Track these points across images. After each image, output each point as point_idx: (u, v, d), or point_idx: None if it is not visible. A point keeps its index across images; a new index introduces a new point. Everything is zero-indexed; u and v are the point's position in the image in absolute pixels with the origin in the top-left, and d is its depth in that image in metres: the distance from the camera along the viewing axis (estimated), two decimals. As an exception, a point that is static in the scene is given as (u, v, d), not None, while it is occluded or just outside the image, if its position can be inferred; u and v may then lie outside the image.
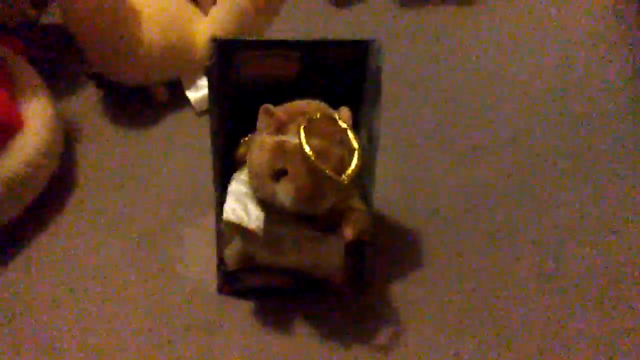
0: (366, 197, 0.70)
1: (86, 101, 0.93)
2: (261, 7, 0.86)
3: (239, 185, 0.68)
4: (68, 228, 0.80)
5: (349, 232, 0.65)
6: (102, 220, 0.81)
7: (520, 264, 0.78)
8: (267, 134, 0.64)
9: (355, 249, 0.73)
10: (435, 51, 1.01)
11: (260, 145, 0.64)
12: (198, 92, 0.92)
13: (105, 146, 0.89)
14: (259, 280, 0.74)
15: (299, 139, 0.61)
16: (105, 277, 0.75)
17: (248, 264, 0.72)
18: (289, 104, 0.65)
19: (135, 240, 0.79)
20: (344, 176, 0.61)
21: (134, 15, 0.86)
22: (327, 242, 0.69)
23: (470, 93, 0.96)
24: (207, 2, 0.95)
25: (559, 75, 0.99)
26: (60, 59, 0.96)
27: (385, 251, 0.79)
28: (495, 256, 0.79)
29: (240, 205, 0.66)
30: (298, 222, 0.67)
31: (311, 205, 0.63)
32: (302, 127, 0.61)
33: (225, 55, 0.67)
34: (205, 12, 0.93)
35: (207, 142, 0.78)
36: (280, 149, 0.63)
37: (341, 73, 0.69)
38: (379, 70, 0.65)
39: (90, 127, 0.90)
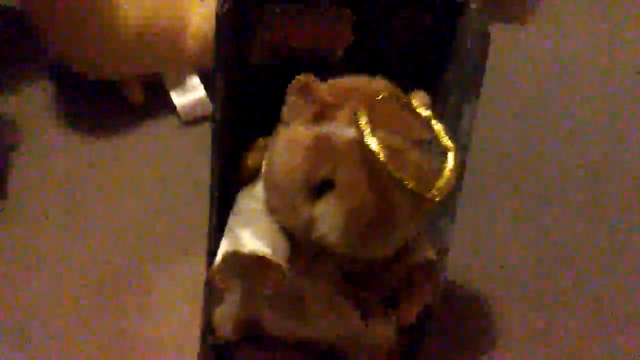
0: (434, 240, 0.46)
1: (33, 99, 0.70)
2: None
3: (251, 203, 0.44)
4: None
5: (408, 314, 0.44)
6: (38, 260, 0.58)
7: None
8: (302, 123, 0.41)
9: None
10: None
11: (290, 141, 0.41)
12: (185, 95, 0.70)
13: (53, 159, 0.66)
14: (263, 357, 0.50)
15: (358, 129, 0.37)
16: (39, 345, 0.53)
17: (250, 334, 0.48)
18: (336, 80, 0.42)
19: (85, 290, 0.56)
20: (434, 191, 0.37)
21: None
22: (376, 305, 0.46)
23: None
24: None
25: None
26: (5, 46, 0.74)
27: (447, 326, 0.55)
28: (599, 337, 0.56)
29: (255, 230, 0.42)
30: (334, 272, 0.44)
31: (372, 242, 0.39)
32: (361, 110, 0.38)
33: (243, 11, 0.44)
34: (202, -5, 0.72)
35: (191, 160, 0.65)
36: (324, 147, 0.39)
37: (413, 48, 0.46)
38: (484, 39, 0.42)
39: (35, 131, 0.68)
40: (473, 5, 0.43)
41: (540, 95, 0.75)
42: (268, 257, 0.40)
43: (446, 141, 0.39)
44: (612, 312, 0.58)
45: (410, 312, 0.43)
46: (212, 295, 0.48)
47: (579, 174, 0.68)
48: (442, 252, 0.46)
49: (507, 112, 0.73)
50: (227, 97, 0.45)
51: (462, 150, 0.43)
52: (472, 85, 0.43)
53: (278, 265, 0.41)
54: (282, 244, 0.42)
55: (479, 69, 0.42)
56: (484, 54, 0.42)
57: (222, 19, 0.42)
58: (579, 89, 0.75)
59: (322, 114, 0.40)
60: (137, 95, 0.70)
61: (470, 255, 0.60)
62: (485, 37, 0.42)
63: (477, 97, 0.43)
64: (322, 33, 0.45)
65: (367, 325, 0.46)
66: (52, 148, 0.66)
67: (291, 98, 0.41)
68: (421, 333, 0.51)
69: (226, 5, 0.42)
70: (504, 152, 0.69)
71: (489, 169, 0.67)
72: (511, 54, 0.77)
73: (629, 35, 0.81)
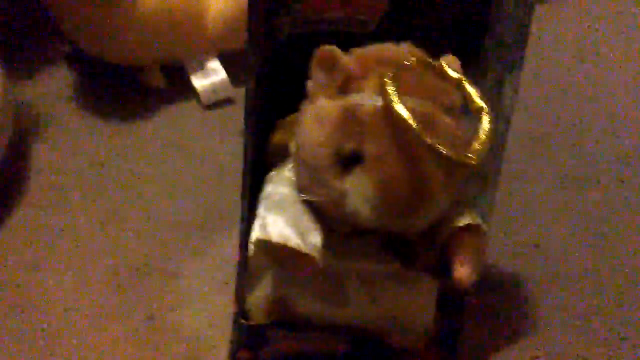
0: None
1: (54, 85, 0.69)
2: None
3: (279, 187, 0.43)
4: (9, 253, 0.56)
5: (465, 273, 0.40)
6: (63, 248, 0.57)
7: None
8: (328, 96, 0.39)
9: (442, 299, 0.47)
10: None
11: (316, 116, 0.39)
12: (206, 78, 0.69)
13: (75, 145, 0.65)
14: (297, 342, 0.48)
15: (385, 97, 0.36)
16: (65, 334, 0.51)
17: (283, 317, 0.47)
18: (360, 49, 0.41)
19: (112, 278, 0.55)
20: (470, 155, 0.36)
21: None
22: (417, 284, 0.44)
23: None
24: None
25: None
26: (26, 33, 0.73)
27: (482, 310, 0.53)
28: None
29: (285, 217, 0.41)
30: (374, 249, 0.43)
31: (406, 215, 0.38)
32: (388, 78, 0.36)
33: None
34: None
35: (215, 144, 0.65)
36: (351, 118, 0.38)
37: (450, 17, 0.45)
38: (528, 8, 0.40)
39: (56, 118, 0.67)
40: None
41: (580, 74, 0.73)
42: (298, 248, 0.39)
43: (478, 103, 0.37)
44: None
45: (465, 272, 0.40)
46: (244, 279, 0.47)
47: (617, 155, 0.66)
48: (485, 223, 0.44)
49: (546, 90, 0.71)
50: (258, 74, 0.44)
51: (505, 122, 0.41)
52: (514, 54, 0.42)
53: (309, 257, 0.40)
54: (314, 230, 0.41)
55: (522, 36, 0.41)
56: (527, 20, 0.40)
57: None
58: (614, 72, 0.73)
59: (348, 86, 0.39)
60: (158, 81, 0.69)
61: (504, 236, 0.59)
62: (528, 8, 0.40)
63: (520, 67, 0.42)
64: (355, 1, 0.44)
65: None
66: (72, 135, 0.65)
67: (315, 71, 0.40)
68: (459, 315, 0.49)
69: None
70: (542, 131, 0.67)
71: (526, 148, 0.65)
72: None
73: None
